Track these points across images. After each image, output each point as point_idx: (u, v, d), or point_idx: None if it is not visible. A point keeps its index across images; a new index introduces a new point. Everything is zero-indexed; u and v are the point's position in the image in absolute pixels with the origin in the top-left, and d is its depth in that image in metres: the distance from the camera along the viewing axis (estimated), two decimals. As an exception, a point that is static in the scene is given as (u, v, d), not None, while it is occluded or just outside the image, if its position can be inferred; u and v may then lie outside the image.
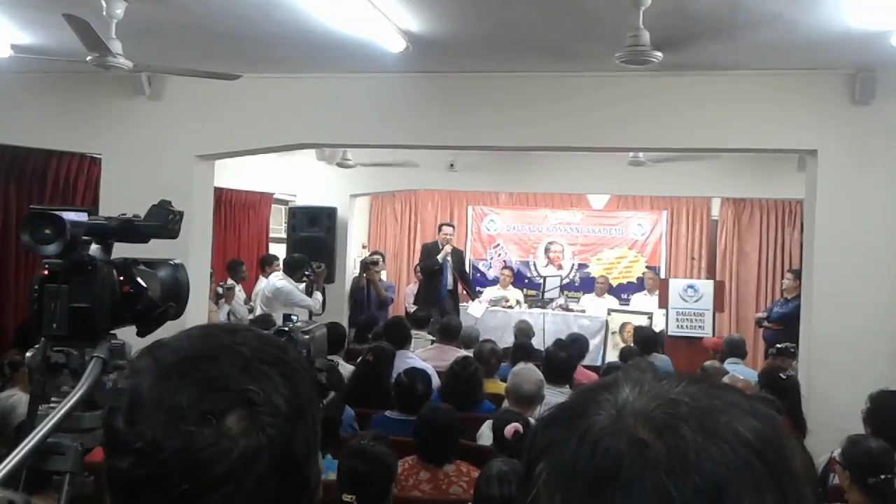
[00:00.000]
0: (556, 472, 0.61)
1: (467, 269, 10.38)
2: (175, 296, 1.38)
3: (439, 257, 8.90)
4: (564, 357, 5.18)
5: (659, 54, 4.04)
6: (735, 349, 6.49)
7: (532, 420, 3.79)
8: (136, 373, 0.85)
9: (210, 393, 0.80)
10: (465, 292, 9.91)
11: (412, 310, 9.56)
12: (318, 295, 7.92)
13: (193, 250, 5.50)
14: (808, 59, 5.08)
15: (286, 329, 1.41)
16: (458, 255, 9.30)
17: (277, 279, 7.89)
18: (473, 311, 9.59)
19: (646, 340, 7.15)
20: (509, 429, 3.45)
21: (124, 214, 1.41)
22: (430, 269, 9.07)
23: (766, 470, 0.59)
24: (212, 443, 0.77)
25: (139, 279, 1.29)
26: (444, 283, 8.98)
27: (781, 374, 4.60)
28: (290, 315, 6.39)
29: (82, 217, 1.30)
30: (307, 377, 0.89)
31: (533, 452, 0.65)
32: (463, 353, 6.02)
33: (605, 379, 0.69)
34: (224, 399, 0.79)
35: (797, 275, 7.32)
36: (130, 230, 1.34)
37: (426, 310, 7.99)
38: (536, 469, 0.63)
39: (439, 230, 9.39)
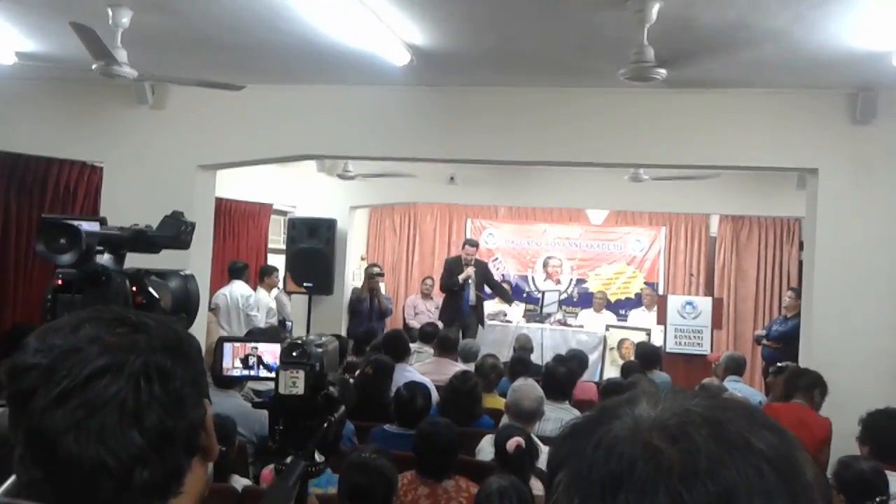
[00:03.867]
0: (574, 477, 0.63)
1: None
2: (186, 306, 1.38)
3: (460, 278, 8.84)
4: (564, 372, 5.15)
5: (663, 71, 4.05)
6: (737, 367, 6.44)
7: (533, 436, 3.77)
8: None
9: (92, 317, 0.94)
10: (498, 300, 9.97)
11: (411, 322, 9.60)
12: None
13: (194, 260, 5.48)
14: (810, 77, 5.11)
15: (299, 342, 1.41)
16: (482, 269, 9.21)
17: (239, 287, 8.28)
18: (512, 316, 9.65)
19: (647, 356, 7.06)
20: (511, 443, 3.43)
21: (136, 225, 1.41)
22: (449, 289, 9.05)
23: (777, 478, 0.60)
24: (83, 347, 0.90)
25: (151, 290, 1.29)
26: (465, 298, 8.91)
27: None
28: (284, 321, 6.38)
29: (95, 227, 1.30)
30: (194, 354, 0.99)
31: (553, 463, 0.67)
32: (460, 366, 6.00)
33: (625, 395, 0.70)
34: (104, 318, 0.94)
35: (798, 293, 7.32)
36: (143, 240, 1.34)
37: (449, 324, 7.99)
38: (556, 478, 0.65)
39: (462, 247, 9.37)
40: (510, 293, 10.13)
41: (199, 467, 0.98)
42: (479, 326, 9.03)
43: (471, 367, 5.97)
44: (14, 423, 0.91)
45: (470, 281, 8.86)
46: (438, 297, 9.74)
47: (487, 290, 9.37)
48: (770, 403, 4.93)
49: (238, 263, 8.56)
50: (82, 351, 0.90)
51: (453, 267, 9.02)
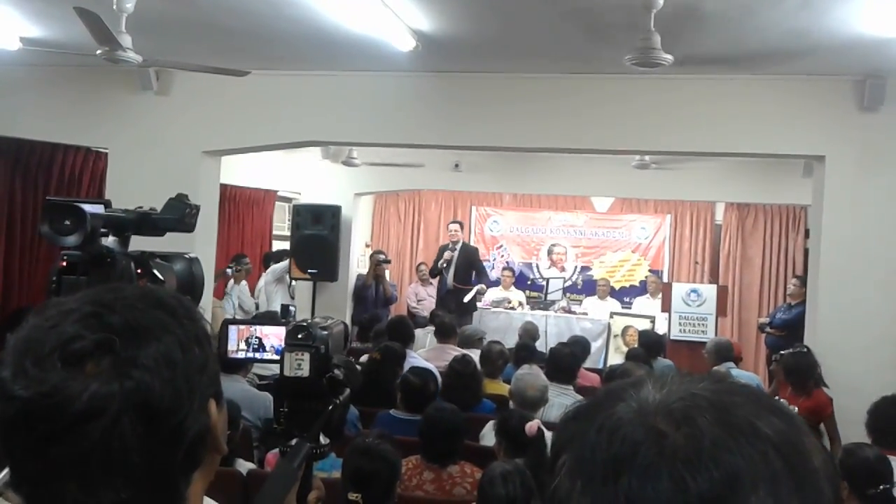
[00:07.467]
0: (577, 460, 0.63)
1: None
2: (190, 289, 1.38)
3: (439, 264, 9.07)
4: (568, 353, 5.16)
5: (670, 57, 4.03)
6: (728, 353, 6.35)
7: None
8: (21, 328, 0.86)
9: (73, 341, 0.82)
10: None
11: (415, 310, 9.67)
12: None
13: (198, 246, 5.48)
14: (818, 64, 5.07)
15: (304, 324, 1.41)
16: (468, 255, 9.25)
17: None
18: (467, 297, 9.65)
19: (651, 344, 7.05)
20: (531, 426, 3.44)
21: (140, 207, 1.41)
22: (433, 274, 9.38)
23: (783, 464, 0.59)
24: (64, 386, 0.80)
25: (156, 272, 1.29)
26: (444, 284, 9.07)
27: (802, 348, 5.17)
28: (288, 307, 6.36)
29: (99, 209, 1.30)
30: (190, 328, 0.90)
31: (556, 446, 0.66)
32: (460, 351, 5.99)
33: (631, 378, 0.69)
34: (86, 346, 0.82)
35: (803, 281, 7.29)
36: (147, 223, 1.34)
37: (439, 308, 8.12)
38: (560, 461, 0.65)
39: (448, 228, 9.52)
40: (488, 278, 10.17)
41: (205, 466, 0.92)
42: (464, 315, 8.85)
43: (471, 353, 5.96)
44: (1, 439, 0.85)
45: (446, 265, 8.92)
46: (437, 282, 9.82)
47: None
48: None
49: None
50: (59, 393, 0.80)
51: (441, 253, 9.20)
